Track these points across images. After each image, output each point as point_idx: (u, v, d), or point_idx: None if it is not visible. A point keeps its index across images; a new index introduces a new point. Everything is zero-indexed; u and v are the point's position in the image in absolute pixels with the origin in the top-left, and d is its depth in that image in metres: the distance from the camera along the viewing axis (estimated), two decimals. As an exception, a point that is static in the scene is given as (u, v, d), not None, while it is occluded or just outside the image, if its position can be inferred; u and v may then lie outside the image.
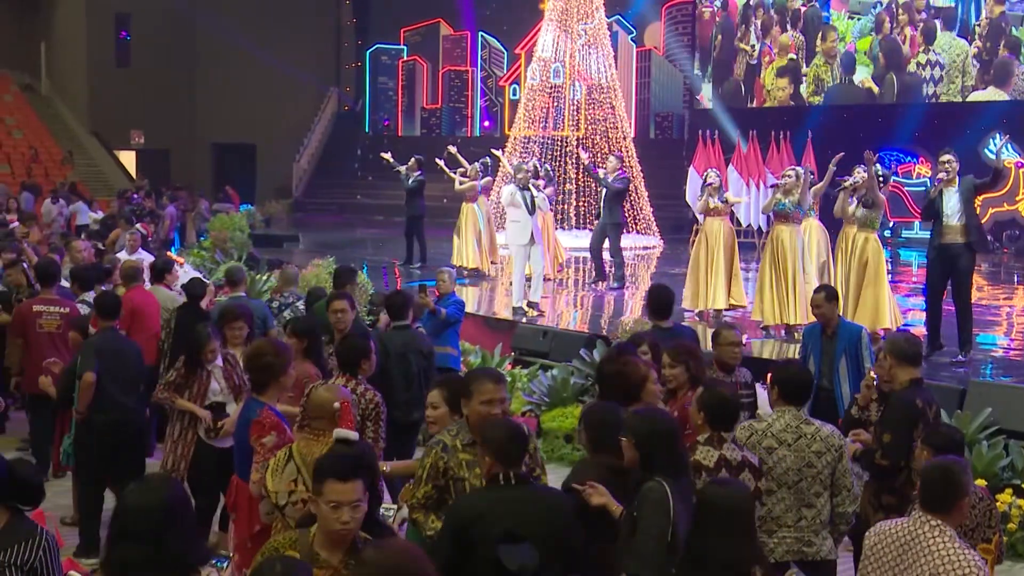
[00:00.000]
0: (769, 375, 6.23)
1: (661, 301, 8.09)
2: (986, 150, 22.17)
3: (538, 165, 17.68)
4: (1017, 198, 22.11)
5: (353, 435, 4.82)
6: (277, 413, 5.78)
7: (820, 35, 25.62)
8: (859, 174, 11.56)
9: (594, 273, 16.31)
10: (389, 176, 33.22)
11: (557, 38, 23.94)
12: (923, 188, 23.16)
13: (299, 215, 32.15)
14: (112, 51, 37.27)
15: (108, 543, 3.80)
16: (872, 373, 6.71)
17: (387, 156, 19.13)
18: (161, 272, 10.45)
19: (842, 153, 12.57)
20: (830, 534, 5.54)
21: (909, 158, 23.62)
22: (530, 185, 13.54)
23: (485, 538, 4.33)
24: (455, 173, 17.82)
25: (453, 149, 18.37)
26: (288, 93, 35.92)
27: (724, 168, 23.20)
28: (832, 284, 11.24)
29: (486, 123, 36.01)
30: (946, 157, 10.66)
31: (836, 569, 5.70)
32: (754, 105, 26.63)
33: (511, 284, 13.95)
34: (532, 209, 13.40)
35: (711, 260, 13.15)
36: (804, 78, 25.93)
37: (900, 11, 24.37)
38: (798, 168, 12.68)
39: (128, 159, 36.83)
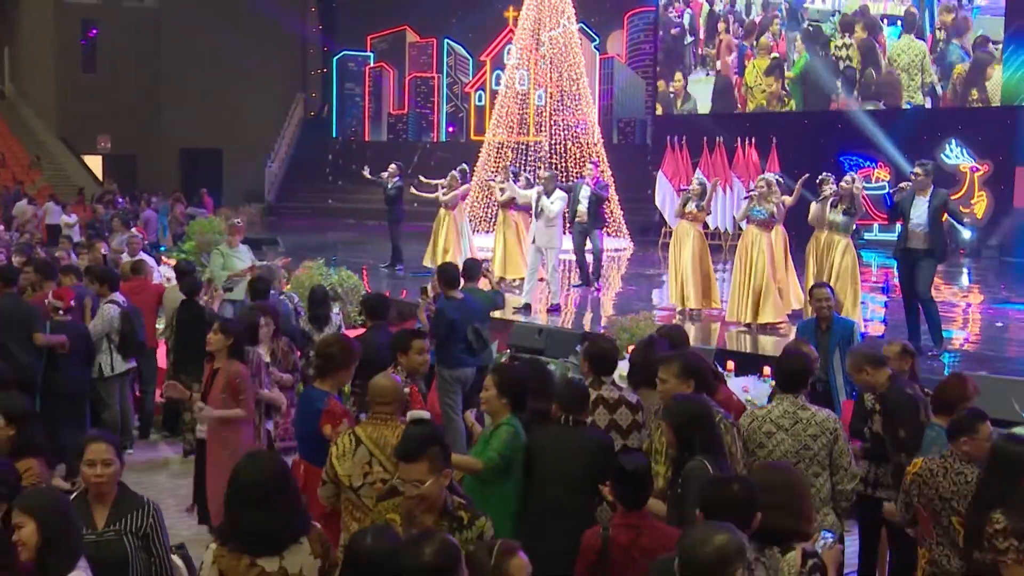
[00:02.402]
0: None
1: (449, 274, 9.51)
2: (942, 155, 23.05)
3: (513, 170, 18.18)
4: (972, 201, 22.98)
5: (425, 414, 5.38)
6: (339, 400, 6.33)
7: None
8: (842, 184, 12.21)
9: (579, 277, 16.83)
10: (360, 180, 33.66)
11: (526, 46, 24.50)
12: (882, 191, 24.05)
13: (272, 219, 32.49)
14: (79, 56, 37.39)
15: (226, 513, 4.25)
16: None
17: (366, 172, 19.46)
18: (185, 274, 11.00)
19: (807, 175, 13.14)
20: (832, 510, 5.82)
21: (868, 163, 24.42)
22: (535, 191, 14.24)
23: (544, 457, 5.71)
24: (437, 190, 18.15)
25: (425, 179, 18.88)
26: (254, 99, 36.20)
27: (691, 172, 23.97)
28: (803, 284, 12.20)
29: (450, 128, 36.57)
30: (917, 168, 11.45)
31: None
32: (739, 107, 27.27)
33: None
34: (537, 214, 14.19)
35: (679, 262, 13.79)
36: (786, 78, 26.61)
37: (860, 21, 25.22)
38: (768, 176, 13.37)
39: (95, 164, 36.93)
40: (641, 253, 23.15)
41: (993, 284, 19.29)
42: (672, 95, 28.80)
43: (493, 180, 18.36)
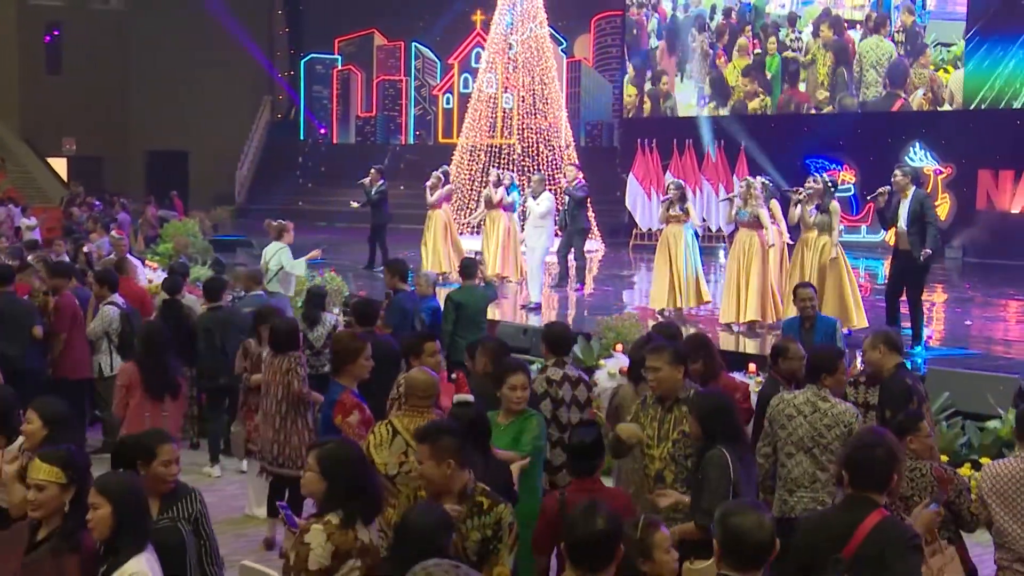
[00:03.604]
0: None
1: (402, 270, 10.46)
2: (907, 158, 23.53)
3: (500, 175, 18.40)
4: (936, 203, 23.42)
5: (469, 398, 5.80)
6: (356, 394, 6.61)
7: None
8: (810, 185, 12.59)
9: (557, 277, 17.10)
10: (329, 183, 33.93)
11: (499, 50, 24.72)
12: (848, 194, 24.53)
13: (242, 221, 32.44)
14: (43, 58, 37.26)
15: (335, 495, 4.58)
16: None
17: (355, 205, 19.74)
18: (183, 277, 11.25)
19: (795, 187, 13.39)
20: None
21: (834, 165, 24.83)
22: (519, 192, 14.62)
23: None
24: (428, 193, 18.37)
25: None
26: (221, 101, 36.12)
27: (662, 175, 24.32)
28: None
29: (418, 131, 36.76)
30: (896, 172, 11.90)
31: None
32: (719, 109, 27.63)
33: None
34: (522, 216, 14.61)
35: (676, 263, 14.03)
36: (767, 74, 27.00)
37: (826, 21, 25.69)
38: (748, 178, 13.68)
39: (59, 166, 36.78)
40: (612, 254, 23.45)
41: (958, 284, 19.74)
42: (657, 94, 29.02)
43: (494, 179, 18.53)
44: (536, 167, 23.68)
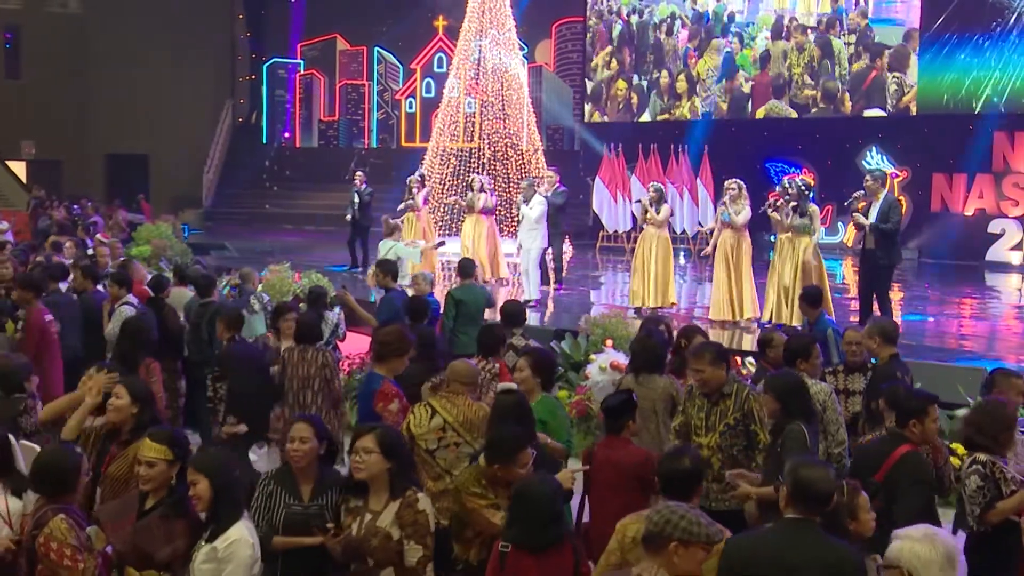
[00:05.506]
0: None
1: (393, 269, 11.12)
2: (863, 162, 24.29)
3: (481, 178, 18.89)
4: (893, 206, 24.20)
5: (513, 386, 6.30)
6: (394, 384, 7.05)
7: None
8: (780, 192, 13.23)
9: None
10: (295, 186, 34.18)
11: (467, 56, 25.12)
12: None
13: (209, 224, 32.62)
14: (1, 61, 37.16)
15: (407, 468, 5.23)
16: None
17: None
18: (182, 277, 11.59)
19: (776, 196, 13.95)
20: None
21: (793, 169, 25.46)
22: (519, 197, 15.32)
23: None
24: (404, 202, 18.82)
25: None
26: (181, 105, 36.21)
27: (627, 178, 24.91)
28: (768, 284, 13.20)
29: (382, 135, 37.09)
30: (867, 177, 12.58)
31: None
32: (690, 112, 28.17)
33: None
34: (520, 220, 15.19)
35: (647, 264, 14.57)
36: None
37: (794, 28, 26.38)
38: (739, 181, 14.24)
39: (18, 170, 36.63)
40: (580, 256, 23.95)
41: (916, 284, 20.45)
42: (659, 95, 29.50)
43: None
44: (505, 171, 24.15)
